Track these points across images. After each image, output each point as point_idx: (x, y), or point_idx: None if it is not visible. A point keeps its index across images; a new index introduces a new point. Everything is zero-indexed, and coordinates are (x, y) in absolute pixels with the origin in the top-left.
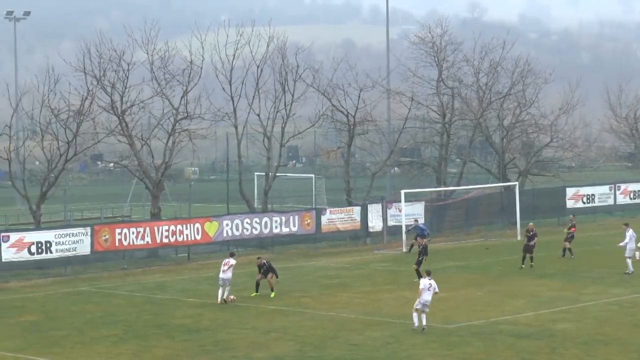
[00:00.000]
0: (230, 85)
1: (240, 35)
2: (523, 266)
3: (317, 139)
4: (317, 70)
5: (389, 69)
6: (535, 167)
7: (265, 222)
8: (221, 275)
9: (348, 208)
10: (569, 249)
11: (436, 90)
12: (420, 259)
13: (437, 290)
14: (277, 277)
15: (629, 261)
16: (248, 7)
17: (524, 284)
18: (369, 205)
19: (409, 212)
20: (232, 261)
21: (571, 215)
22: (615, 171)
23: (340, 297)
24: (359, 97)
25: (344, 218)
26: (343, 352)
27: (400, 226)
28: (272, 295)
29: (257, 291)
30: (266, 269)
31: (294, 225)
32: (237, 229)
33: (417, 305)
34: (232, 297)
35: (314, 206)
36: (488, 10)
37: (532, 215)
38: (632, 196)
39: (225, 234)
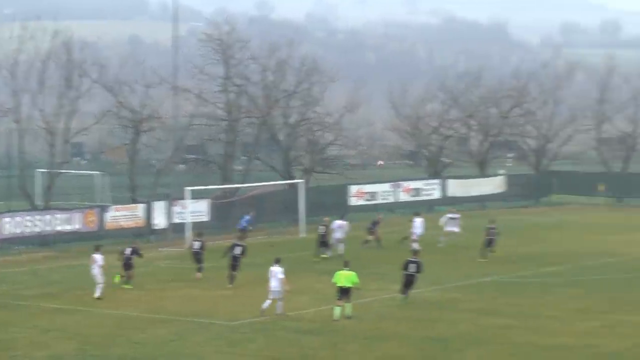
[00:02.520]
0: (14, 80)
1: (25, 30)
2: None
3: (103, 136)
4: (103, 66)
5: (175, 66)
6: (320, 164)
7: (48, 220)
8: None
9: (132, 205)
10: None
11: (223, 88)
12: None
13: (281, 275)
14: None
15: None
16: (34, 1)
17: (308, 281)
18: (153, 203)
19: (194, 210)
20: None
21: (379, 216)
22: (397, 169)
23: (124, 294)
24: (146, 93)
25: (128, 215)
26: (126, 351)
27: (185, 224)
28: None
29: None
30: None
31: (77, 223)
32: (18, 227)
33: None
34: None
35: (98, 203)
36: (276, 8)
37: (316, 212)
38: (412, 194)
39: (5, 232)
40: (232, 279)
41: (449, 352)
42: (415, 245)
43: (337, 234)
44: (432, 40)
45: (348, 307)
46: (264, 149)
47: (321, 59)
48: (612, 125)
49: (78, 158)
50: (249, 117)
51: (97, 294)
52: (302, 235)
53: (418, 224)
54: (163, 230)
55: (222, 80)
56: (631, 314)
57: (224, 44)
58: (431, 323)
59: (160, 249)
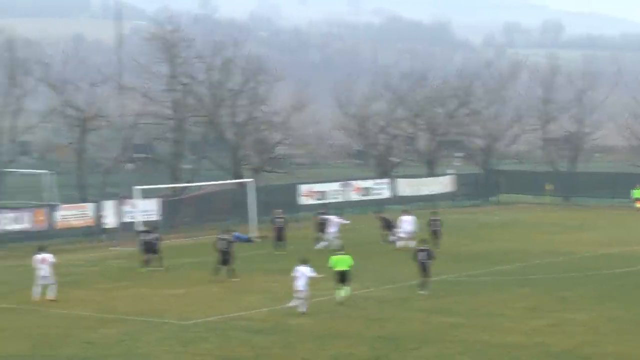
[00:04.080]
0: None
1: None
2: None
3: (49, 134)
4: (47, 64)
5: (120, 65)
6: (269, 164)
7: None
8: None
9: (82, 204)
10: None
11: (169, 87)
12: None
13: (309, 275)
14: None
15: None
16: None
17: (259, 280)
18: (103, 202)
19: (144, 209)
20: None
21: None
22: (346, 168)
23: (74, 294)
24: (91, 92)
25: (77, 214)
26: (76, 351)
27: (135, 223)
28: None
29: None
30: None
31: (27, 222)
32: None
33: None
34: None
35: (47, 202)
36: (220, 7)
37: (266, 212)
38: (362, 193)
39: None
40: (230, 272)
41: (401, 351)
42: (406, 243)
43: (332, 229)
44: (375, 40)
45: (347, 290)
46: (212, 147)
47: (266, 58)
48: (557, 125)
49: (25, 157)
50: (195, 116)
51: (50, 295)
52: (253, 234)
53: (407, 221)
54: (113, 229)
55: (168, 79)
56: (579, 313)
57: (169, 43)
58: (383, 322)
59: (111, 248)
